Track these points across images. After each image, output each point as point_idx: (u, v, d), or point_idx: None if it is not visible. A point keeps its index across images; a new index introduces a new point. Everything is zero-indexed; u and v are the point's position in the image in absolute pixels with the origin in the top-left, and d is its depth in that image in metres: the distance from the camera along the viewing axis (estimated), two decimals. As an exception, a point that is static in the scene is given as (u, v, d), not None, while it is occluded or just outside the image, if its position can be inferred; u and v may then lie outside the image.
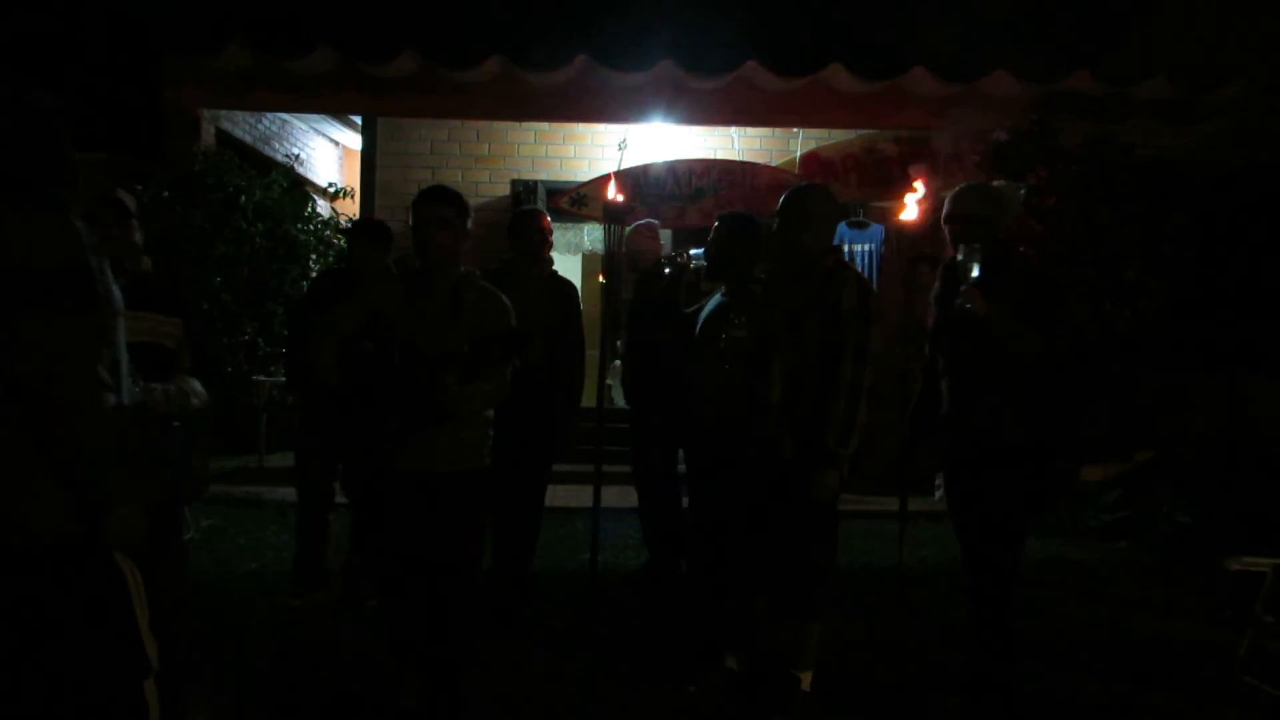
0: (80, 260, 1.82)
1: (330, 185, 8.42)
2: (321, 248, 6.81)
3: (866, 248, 7.72)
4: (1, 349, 1.73)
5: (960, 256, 3.05)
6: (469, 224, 2.88)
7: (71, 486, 1.81)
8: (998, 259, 3.04)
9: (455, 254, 2.83)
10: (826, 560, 3.16)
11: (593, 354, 5.01)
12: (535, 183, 8.05)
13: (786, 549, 3.07)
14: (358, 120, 8.62)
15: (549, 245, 4.39)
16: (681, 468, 4.13)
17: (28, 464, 1.79)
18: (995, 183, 3.17)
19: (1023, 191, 3.83)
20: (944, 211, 3.19)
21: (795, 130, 7.90)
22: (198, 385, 2.82)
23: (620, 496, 6.74)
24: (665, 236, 8.34)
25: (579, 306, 4.62)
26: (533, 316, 4.07)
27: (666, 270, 4.56)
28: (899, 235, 7.21)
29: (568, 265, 10.38)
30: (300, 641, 3.80)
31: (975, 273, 2.98)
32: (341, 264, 6.92)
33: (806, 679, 3.15)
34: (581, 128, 8.01)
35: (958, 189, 3.21)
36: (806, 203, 3.12)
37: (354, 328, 2.79)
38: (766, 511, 3.07)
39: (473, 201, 8.40)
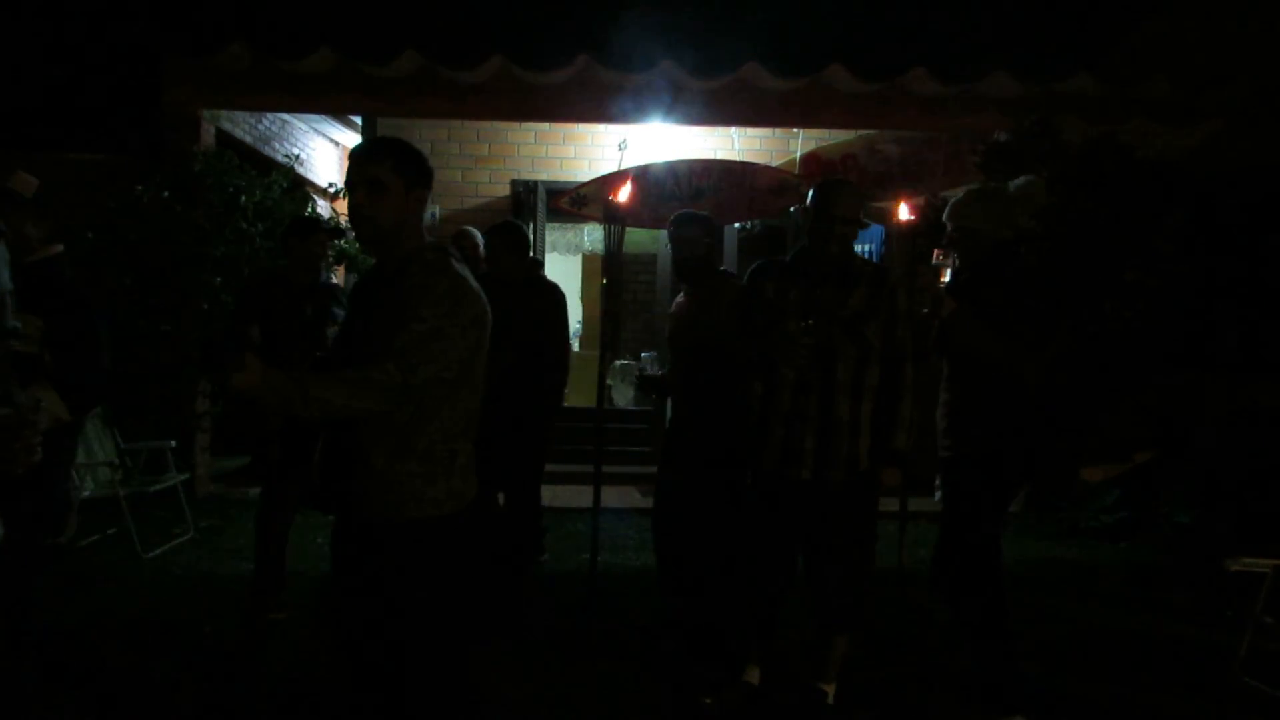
0: None
1: (330, 185, 8.42)
2: (322, 248, 6.80)
3: (866, 248, 7.72)
4: None
5: (935, 263, 3.18)
6: (417, 185, 2.12)
7: None
8: (989, 267, 3.11)
9: (399, 226, 2.10)
10: (864, 573, 3.13)
11: (593, 354, 5.02)
12: (535, 183, 8.05)
13: (839, 562, 3.05)
14: (358, 120, 8.62)
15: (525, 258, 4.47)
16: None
17: None
18: (1017, 180, 3.16)
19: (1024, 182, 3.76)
20: (945, 214, 3.28)
21: (795, 130, 7.90)
22: (48, 398, 2.49)
23: (620, 496, 6.75)
24: (665, 236, 8.32)
25: (563, 312, 4.67)
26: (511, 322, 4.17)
27: None
28: (898, 235, 7.22)
29: (568, 266, 10.39)
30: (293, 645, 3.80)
31: (946, 278, 3.09)
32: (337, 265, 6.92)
33: (831, 691, 3.15)
34: (581, 128, 8.01)
35: (958, 196, 3.24)
36: (854, 199, 3.07)
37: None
38: (817, 527, 3.03)
39: (472, 202, 8.46)
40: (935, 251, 4.33)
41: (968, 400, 3.11)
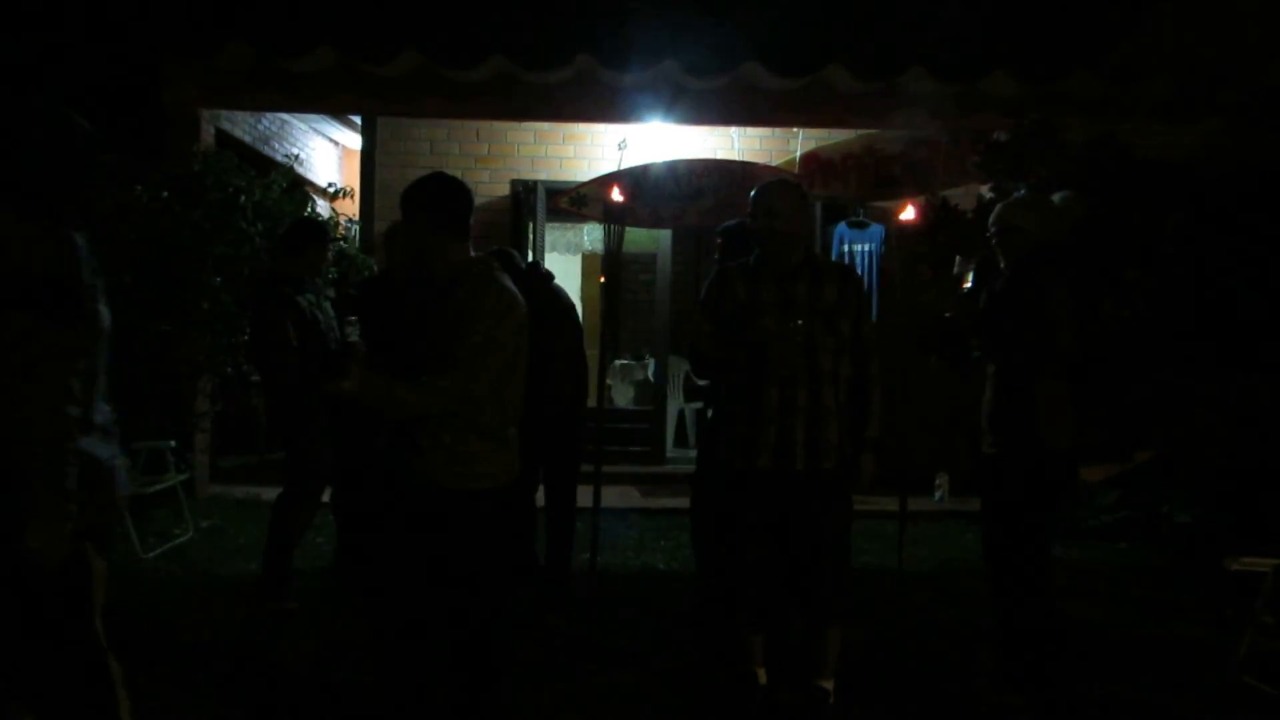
0: (73, 275, 1.89)
1: (330, 185, 8.41)
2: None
3: (866, 248, 7.71)
4: None
5: (959, 266, 3.27)
6: (448, 213, 2.55)
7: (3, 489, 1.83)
8: (1030, 265, 3.24)
9: (437, 251, 2.54)
10: (848, 561, 3.16)
11: (591, 353, 5.01)
12: (535, 183, 8.04)
13: (816, 552, 3.05)
14: (357, 120, 8.61)
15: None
16: None
17: None
18: (1059, 194, 3.38)
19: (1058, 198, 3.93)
20: (991, 217, 3.43)
21: (795, 130, 7.89)
22: None
23: (620, 496, 6.75)
24: (665, 236, 8.32)
25: (576, 318, 4.62)
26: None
27: None
28: (898, 235, 7.22)
29: (567, 265, 10.40)
30: (296, 641, 3.80)
31: (968, 283, 3.17)
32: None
33: (831, 687, 3.12)
34: (581, 127, 8.00)
35: (1009, 200, 3.39)
36: (794, 198, 3.10)
37: None
38: (795, 517, 3.04)
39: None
40: (958, 259, 4.48)
41: (1010, 398, 3.21)
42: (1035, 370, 3.17)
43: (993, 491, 3.33)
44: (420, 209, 2.55)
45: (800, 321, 2.94)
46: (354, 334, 4.27)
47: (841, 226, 7.85)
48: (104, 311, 2.01)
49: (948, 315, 3.28)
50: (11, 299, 1.82)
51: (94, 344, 1.96)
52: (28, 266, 1.83)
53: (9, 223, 1.86)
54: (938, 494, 6.86)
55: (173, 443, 5.50)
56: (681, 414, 8.72)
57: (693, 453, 8.40)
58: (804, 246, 3.15)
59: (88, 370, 1.94)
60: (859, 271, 7.45)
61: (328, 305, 4.31)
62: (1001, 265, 3.36)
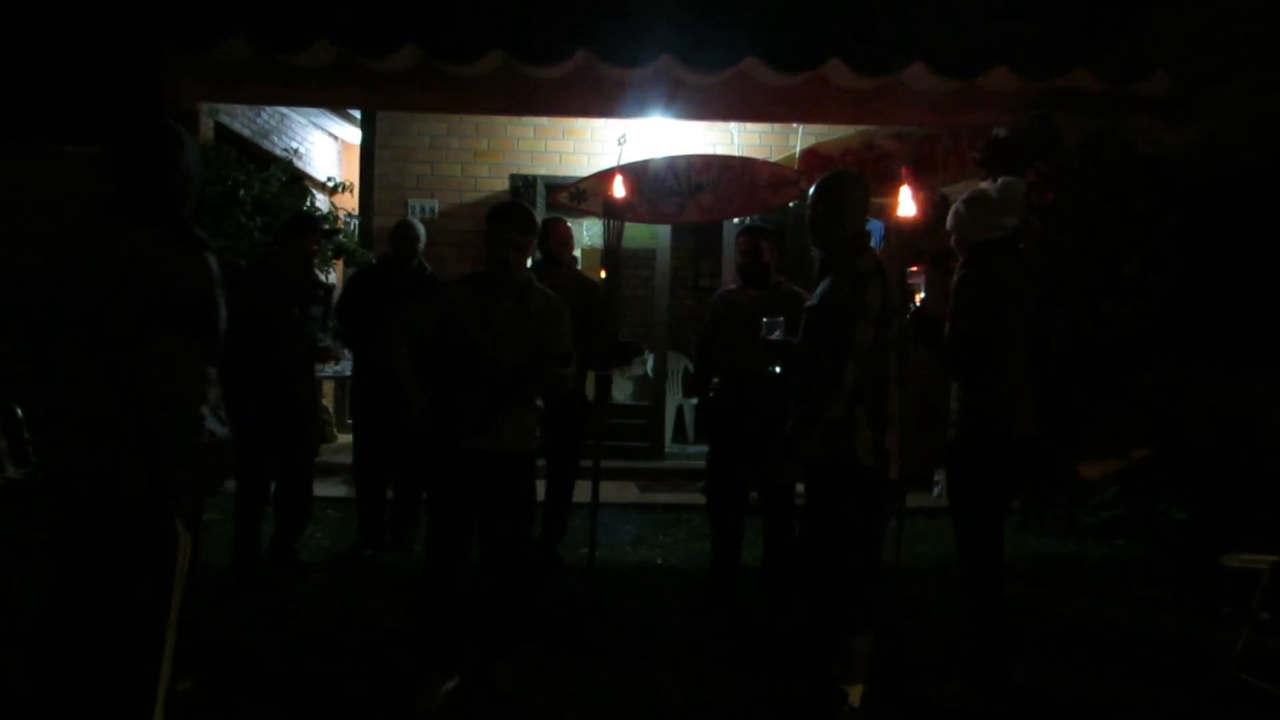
0: (212, 296, 2.18)
1: (329, 179, 8.41)
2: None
3: (865, 244, 7.70)
4: (134, 356, 2.08)
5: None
6: (530, 236, 3.29)
7: (154, 462, 2.15)
8: (974, 261, 3.32)
9: (521, 264, 3.27)
10: (865, 568, 3.03)
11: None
12: (534, 178, 8.04)
13: (821, 557, 3.02)
14: (356, 114, 8.60)
15: (569, 248, 4.95)
16: None
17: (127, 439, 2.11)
18: (1003, 180, 3.38)
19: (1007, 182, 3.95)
20: (948, 220, 3.49)
21: (794, 126, 7.88)
22: None
23: (618, 492, 6.75)
24: (664, 232, 8.32)
25: (610, 306, 4.89)
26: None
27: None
28: (897, 232, 7.22)
29: (566, 260, 10.38)
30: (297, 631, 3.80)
31: (921, 292, 3.32)
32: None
33: (855, 693, 3.04)
34: (581, 122, 7.99)
35: (957, 209, 3.43)
36: (839, 191, 3.07)
37: (427, 327, 3.22)
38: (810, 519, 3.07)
39: (471, 196, 8.43)
40: (912, 267, 4.64)
41: (975, 386, 3.26)
42: (991, 355, 3.18)
43: (957, 480, 3.34)
44: (518, 230, 3.16)
45: (765, 320, 3.17)
46: (326, 339, 4.47)
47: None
48: (224, 314, 2.26)
49: (908, 316, 3.41)
50: (164, 322, 2.09)
51: (219, 348, 2.26)
52: (177, 291, 2.11)
53: (163, 245, 2.10)
54: (936, 490, 6.87)
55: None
56: (680, 409, 8.71)
57: (691, 449, 8.45)
58: (829, 244, 3.06)
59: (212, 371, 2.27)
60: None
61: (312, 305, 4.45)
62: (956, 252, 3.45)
